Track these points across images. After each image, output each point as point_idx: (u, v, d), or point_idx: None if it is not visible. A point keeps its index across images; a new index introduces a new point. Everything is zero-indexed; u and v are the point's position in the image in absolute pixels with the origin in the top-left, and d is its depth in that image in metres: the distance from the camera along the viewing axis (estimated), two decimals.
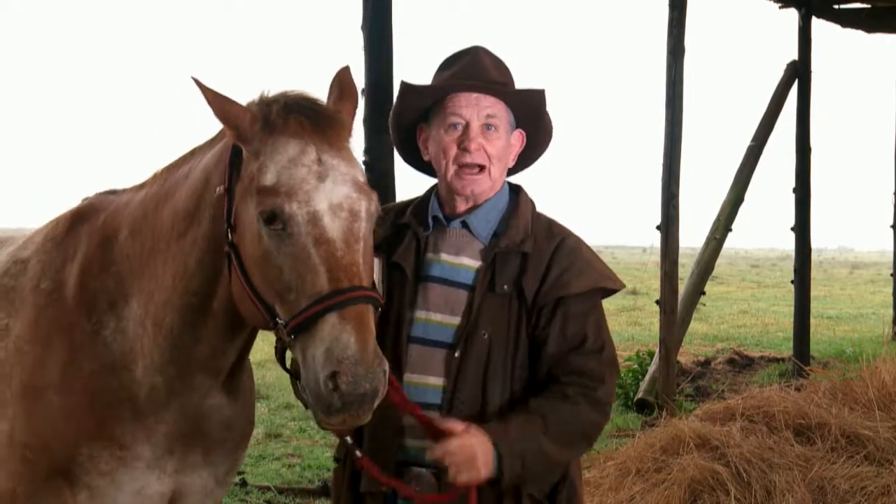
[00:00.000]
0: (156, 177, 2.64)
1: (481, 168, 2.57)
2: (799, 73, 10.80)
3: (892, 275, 14.92)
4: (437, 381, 2.52)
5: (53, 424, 2.52)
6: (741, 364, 11.69)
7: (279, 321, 2.20)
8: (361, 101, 5.44)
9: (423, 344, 2.55)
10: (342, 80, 2.45)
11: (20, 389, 2.56)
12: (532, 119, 2.68)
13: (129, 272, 2.56)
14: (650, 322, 15.68)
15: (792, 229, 11.01)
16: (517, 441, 2.42)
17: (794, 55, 10.89)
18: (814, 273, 12.04)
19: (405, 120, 2.69)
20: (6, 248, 2.90)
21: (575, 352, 2.53)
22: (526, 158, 2.75)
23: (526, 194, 2.71)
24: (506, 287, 2.53)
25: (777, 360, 11.84)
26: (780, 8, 10.95)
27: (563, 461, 2.53)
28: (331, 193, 2.23)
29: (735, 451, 5.21)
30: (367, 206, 2.28)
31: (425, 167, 2.75)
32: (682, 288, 9.46)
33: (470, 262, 2.59)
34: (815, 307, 13.45)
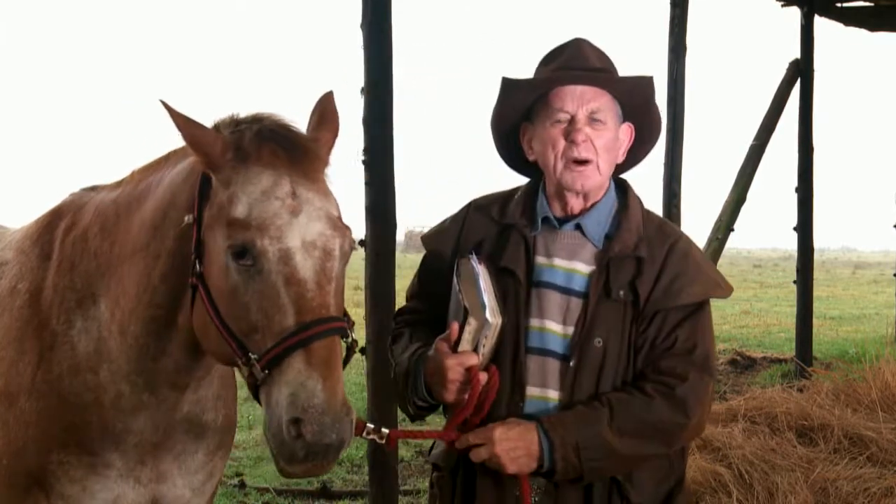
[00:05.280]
0: (132, 176, 2.56)
1: (587, 162, 2.45)
2: (801, 71, 10.75)
3: (894, 275, 14.87)
4: (554, 394, 2.43)
5: (26, 430, 2.46)
6: (743, 365, 11.64)
7: (251, 356, 2.08)
8: (361, 102, 5.40)
9: (539, 354, 2.45)
10: (323, 106, 2.34)
11: None
12: (640, 111, 2.57)
13: (97, 271, 2.48)
14: None
15: (794, 229, 10.95)
16: (572, 429, 2.34)
17: (797, 54, 10.84)
18: (816, 273, 12.00)
19: (507, 119, 2.58)
20: None
21: (666, 353, 2.44)
22: (635, 154, 2.65)
23: (634, 191, 2.62)
24: (622, 293, 2.43)
25: (779, 360, 11.77)
26: (782, 6, 10.91)
27: (631, 455, 2.38)
28: (304, 230, 2.10)
29: (737, 452, 5.17)
30: (340, 243, 2.15)
31: (526, 168, 2.65)
32: None
33: (583, 268, 2.48)
34: (817, 307, 13.41)
